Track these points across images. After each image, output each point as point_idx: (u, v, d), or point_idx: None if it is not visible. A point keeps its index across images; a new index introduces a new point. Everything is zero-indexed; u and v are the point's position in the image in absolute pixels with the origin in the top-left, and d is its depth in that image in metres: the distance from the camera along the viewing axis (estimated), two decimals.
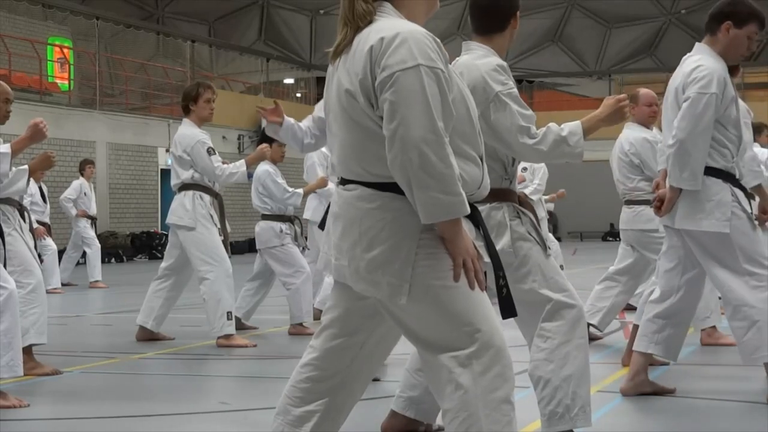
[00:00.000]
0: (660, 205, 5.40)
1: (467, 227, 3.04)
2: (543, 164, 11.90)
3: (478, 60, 4.21)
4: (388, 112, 2.89)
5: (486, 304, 3.00)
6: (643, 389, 5.62)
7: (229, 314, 7.93)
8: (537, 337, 4.20)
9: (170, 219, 8.07)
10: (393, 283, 2.95)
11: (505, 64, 4.24)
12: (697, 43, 5.51)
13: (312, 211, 10.06)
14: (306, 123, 5.89)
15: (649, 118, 7.47)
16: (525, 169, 11.84)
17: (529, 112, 4.17)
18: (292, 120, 5.87)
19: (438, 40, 2.99)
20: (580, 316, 4.21)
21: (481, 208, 4.06)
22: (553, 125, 4.19)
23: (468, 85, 4.04)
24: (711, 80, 5.23)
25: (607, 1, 35.31)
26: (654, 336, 5.59)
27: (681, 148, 5.22)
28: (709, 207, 5.29)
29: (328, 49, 3.13)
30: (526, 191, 11.83)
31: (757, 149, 8.31)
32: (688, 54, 5.50)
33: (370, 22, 3.05)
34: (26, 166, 6.45)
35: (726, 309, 5.39)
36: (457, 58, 4.26)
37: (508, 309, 3.20)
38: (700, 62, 5.33)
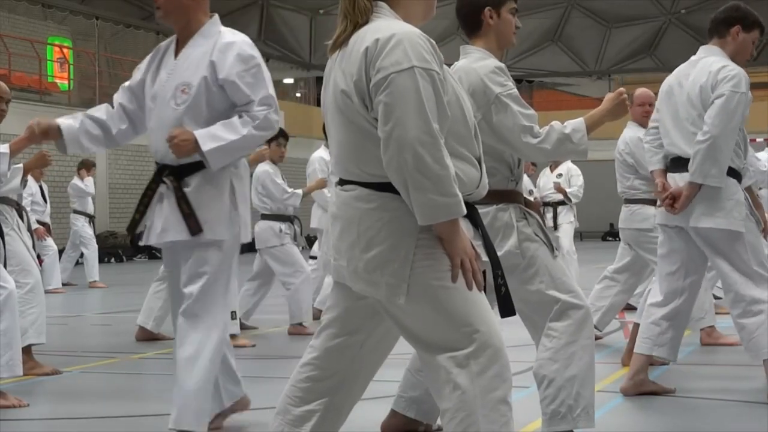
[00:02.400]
0: (672, 203, 5.40)
1: (465, 227, 3.04)
2: (579, 171, 11.94)
3: (475, 63, 4.21)
4: (383, 114, 2.89)
5: (484, 305, 3.00)
6: (643, 389, 5.64)
7: (233, 314, 7.92)
8: (544, 336, 4.20)
9: None
10: (391, 283, 2.95)
11: (502, 65, 4.23)
12: (704, 46, 5.55)
13: (318, 219, 10.10)
14: (116, 101, 4.53)
15: (642, 118, 7.53)
16: (560, 175, 11.85)
17: (531, 111, 4.17)
18: (70, 122, 4.48)
19: (433, 42, 2.99)
20: (587, 317, 4.22)
21: (487, 209, 4.08)
22: (556, 123, 4.19)
23: (468, 88, 4.04)
24: (741, 80, 5.34)
25: (607, 1, 35.28)
26: (658, 338, 5.60)
27: (713, 145, 5.25)
28: (728, 206, 5.33)
29: (328, 42, 3.13)
30: (569, 191, 11.85)
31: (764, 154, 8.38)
32: (700, 55, 5.51)
33: (368, 21, 3.05)
34: (21, 165, 6.44)
35: (735, 307, 5.39)
36: (456, 63, 4.26)
37: (506, 308, 3.21)
38: (723, 62, 5.39)
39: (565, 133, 4.17)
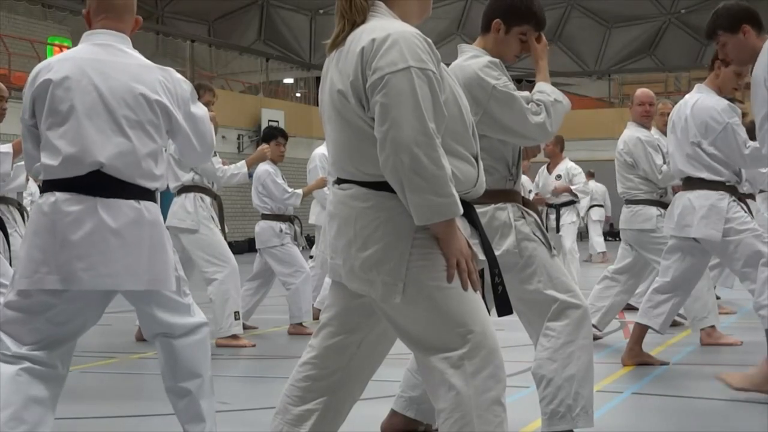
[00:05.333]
0: None
1: (462, 226, 3.04)
2: (579, 168, 11.93)
3: (470, 60, 4.23)
4: (379, 115, 2.89)
5: (479, 305, 2.99)
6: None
7: (236, 314, 7.92)
8: (542, 336, 4.20)
9: (171, 222, 7.94)
10: (387, 282, 2.94)
11: (497, 60, 4.24)
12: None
13: (316, 216, 10.14)
14: None
15: (642, 118, 7.59)
16: (559, 176, 11.85)
17: (525, 93, 4.20)
18: None
19: (429, 41, 2.98)
20: (585, 316, 4.21)
21: (485, 209, 4.08)
22: (536, 96, 4.21)
23: (464, 85, 4.04)
24: None
25: (606, 1, 35.30)
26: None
27: None
28: None
29: (326, 42, 3.13)
30: (574, 188, 11.82)
31: None
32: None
33: (365, 20, 3.05)
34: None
35: None
36: (454, 63, 4.27)
37: (503, 307, 3.21)
38: None
39: (552, 99, 4.21)
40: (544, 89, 4.24)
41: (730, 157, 6.09)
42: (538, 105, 4.16)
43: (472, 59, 4.23)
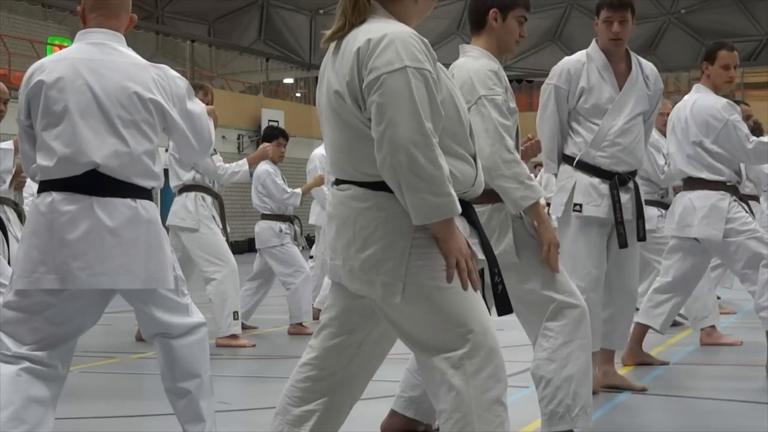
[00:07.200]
0: None
1: (461, 225, 3.04)
2: None
3: (470, 62, 4.22)
4: (376, 115, 2.89)
5: (479, 305, 2.99)
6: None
7: (235, 314, 7.92)
8: (540, 336, 4.19)
9: (172, 221, 7.95)
10: (387, 282, 2.94)
11: (497, 68, 4.22)
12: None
13: (316, 216, 10.14)
14: None
15: None
16: None
17: (508, 122, 4.14)
18: None
19: (426, 41, 2.98)
20: (583, 316, 4.21)
21: (483, 209, 4.07)
22: (522, 161, 4.15)
23: (458, 86, 4.03)
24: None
25: None
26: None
27: None
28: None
29: (325, 34, 3.12)
30: None
31: None
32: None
33: (362, 21, 3.04)
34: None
35: None
36: (455, 62, 4.26)
37: (503, 306, 3.21)
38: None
39: (524, 172, 4.09)
40: (536, 185, 4.13)
41: (733, 154, 6.10)
42: (511, 152, 4.08)
43: (473, 62, 4.21)
